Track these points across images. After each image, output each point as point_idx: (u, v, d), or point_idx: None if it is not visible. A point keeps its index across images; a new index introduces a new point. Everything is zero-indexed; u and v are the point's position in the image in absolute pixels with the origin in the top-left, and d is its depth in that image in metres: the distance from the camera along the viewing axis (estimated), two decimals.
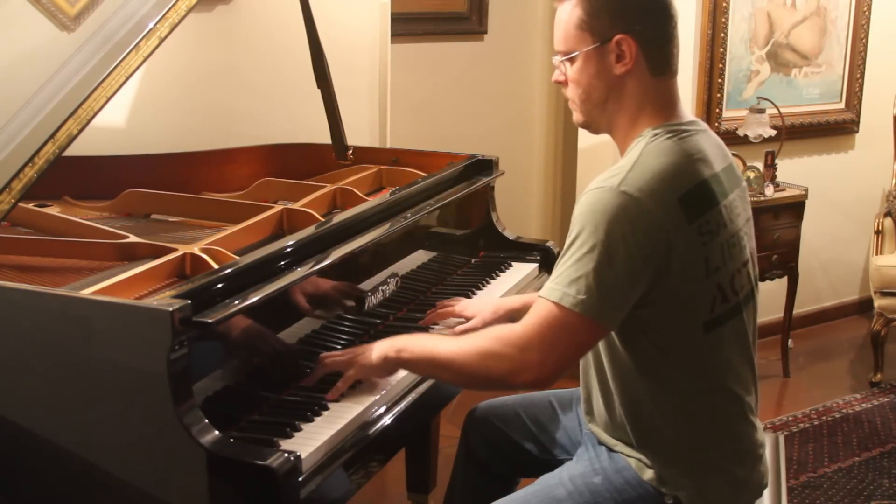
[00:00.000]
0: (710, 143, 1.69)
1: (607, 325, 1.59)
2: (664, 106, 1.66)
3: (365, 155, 2.67)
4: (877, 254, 4.00)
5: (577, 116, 1.73)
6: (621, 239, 1.52)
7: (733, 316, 1.66)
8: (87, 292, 1.62)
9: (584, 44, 1.64)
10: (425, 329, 2.07)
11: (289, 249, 1.81)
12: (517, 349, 1.58)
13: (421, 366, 1.74)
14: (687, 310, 1.61)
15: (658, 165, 1.57)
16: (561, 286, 1.55)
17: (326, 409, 1.69)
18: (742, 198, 1.73)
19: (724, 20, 3.79)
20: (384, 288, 2.07)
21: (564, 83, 1.71)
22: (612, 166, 1.61)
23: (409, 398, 1.82)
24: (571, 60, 1.67)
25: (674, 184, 1.57)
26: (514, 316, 2.08)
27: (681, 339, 1.63)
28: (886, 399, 3.74)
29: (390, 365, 1.75)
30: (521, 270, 2.45)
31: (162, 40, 1.90)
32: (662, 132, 1.63)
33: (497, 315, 2.07)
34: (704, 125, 1.72)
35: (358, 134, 2.98)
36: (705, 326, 1.63)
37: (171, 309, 1.44)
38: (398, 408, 1.78)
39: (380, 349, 1.75)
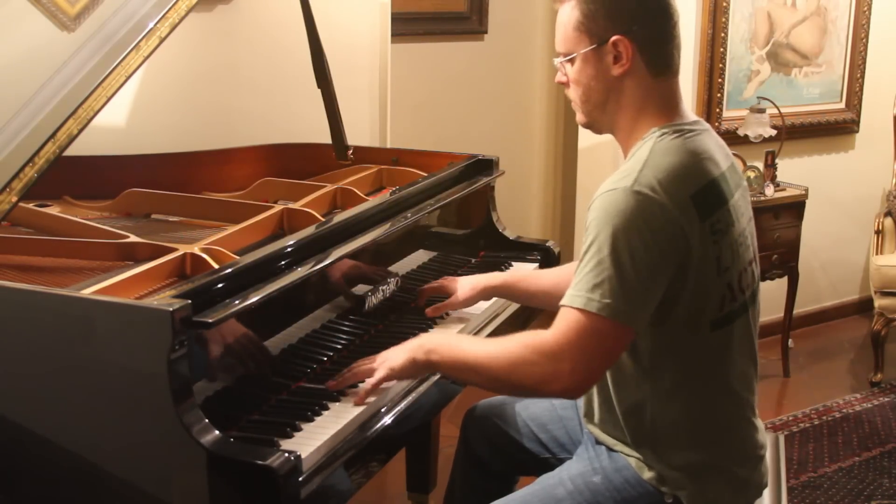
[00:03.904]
0: (713, 143, 1.69)
1: (635, 326, 1.56)
2: (666, 106, 1.67)
3: (365, 155, 2.67)
4: (877, 254, 3.99)
5: (580, 117, 1.74)
6: (639, 238, 1.51)
7: (740, 314, 1.67)
8: (87, 292, 1.62)
9: (582, 45, 1.65)
10: (429, 324, 2.07)
11: (289, 249, 1.81)
12: (548, 358, 1.55)
13: (451, 368, 1.72)
14: (698, 308, 1.61)
15: (669, 164, 1.57)
16: (584, 292, 1.53)
17: (327, 408, 1.69)
18: (744, 197, 1.74)
19: (724, 20, 3.79)
20: (384, 288, 2.07)
21: (567, 84, 1.71)
22: (619, 168, 1.61)
23: (410, 398, 1.81)
24: (571, 62, 1.68)
25: (685, 182, 1.57)
26: (491, 294, 2.13)
27: (686, 338, 1.63)
28: (886, 399, 3.74)
29: (419, 366, 1.73)
30: (521, 270, 2.45)
31: (162, 40, 1.89)
32: (669, 132, 1.63)
33: (475, 291, 2.10)
34: (707, 125, 1.72)
35: (358, 134, 2.98)
36: (712, 325, 1.62)
37: (171, 309, 1.44)
38: (398, 408, 1.78)
39: (408, 351, 1.73)
